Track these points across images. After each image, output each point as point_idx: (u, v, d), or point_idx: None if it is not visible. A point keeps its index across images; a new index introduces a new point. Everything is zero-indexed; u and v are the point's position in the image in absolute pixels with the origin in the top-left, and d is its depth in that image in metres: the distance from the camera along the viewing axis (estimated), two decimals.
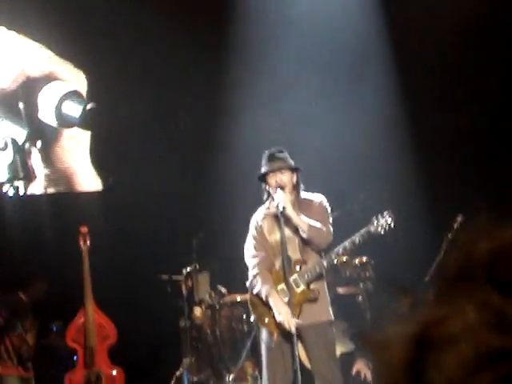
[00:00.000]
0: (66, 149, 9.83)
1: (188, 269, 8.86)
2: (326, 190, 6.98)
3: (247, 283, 6.68)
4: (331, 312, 6.54)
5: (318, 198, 6.69)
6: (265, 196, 6.66)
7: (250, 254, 6.63)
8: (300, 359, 7.07)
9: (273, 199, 6.54)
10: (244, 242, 6.76)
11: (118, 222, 9.33)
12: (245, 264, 6.77)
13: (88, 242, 7.99)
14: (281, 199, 6.43)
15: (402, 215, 7.00)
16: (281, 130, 8.86)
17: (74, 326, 7.90)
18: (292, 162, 6.61)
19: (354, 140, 9.29)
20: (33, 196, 9.69)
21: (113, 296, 8.42)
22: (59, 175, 9.77)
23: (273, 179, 6.54)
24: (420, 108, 9.49)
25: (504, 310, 0.58)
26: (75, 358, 7.91)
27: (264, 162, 6.60)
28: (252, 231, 6.67)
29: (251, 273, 6.58)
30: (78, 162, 9.86)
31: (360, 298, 8.44)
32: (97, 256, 8.05)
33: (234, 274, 8.05)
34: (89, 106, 9.64)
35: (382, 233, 6.65)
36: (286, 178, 6.53)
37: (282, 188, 6.50)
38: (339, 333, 7.47)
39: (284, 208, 6.42)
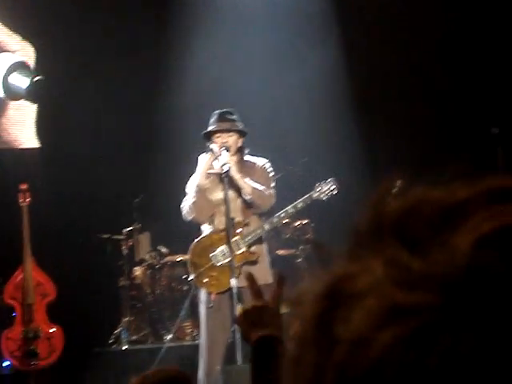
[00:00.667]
0: (12, 121, 9.72)
1: (129, 228, 8.85)
2: (270, 151, 7.02)
3: (181, 206, 6.65)
4: (271, 275, 6.59)
5: (262, 161, 6.72)
6: (209, 154, 6.66)
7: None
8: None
9: (217, 159, 6.55)
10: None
11: (59, 180, 9.25)
12: (185, 224, 6.78)
13: (28, 200, 7.91)
14: (226, 160, 6.45)
15: (345, 181, 7.06)
16: (229, 89, 8.83)
17: (13, 283, 7.84)
18: (240, 126, 6.61)
19: (301, 104, 9.33)
20: None
21: (52, 254, 8.38)
22: (4, 147, 9.65)
23: (219, 139, 6.55)
24: (366, 74, 9.56)
25: (410, 267, 0.59)
26: (13, 315, 7.86)
27: (212, 120, 6.60)
28: (193, 187, 6.64)
29: (190, 199, 6.57)
30: (24, 134, 9.75)
31: (299, 260, 8.54)
32: (37, 214, 7.98)
33: (175, 235, 8.07)
34: (36, 79, 9.53)
35: (324, 199, 6.71)
36: (232, 139, 6.55)
37: (227, 149, 6.51)
38: None
39: (229, 169, 6.44)
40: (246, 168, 6.64)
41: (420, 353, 0.57)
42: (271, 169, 6.72)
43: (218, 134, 6.56)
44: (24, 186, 7.96)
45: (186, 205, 6.60)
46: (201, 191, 6.57)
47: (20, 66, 9.62)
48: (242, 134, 6.61)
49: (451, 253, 0.59)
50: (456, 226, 0.61)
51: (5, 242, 8.05)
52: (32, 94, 9.59)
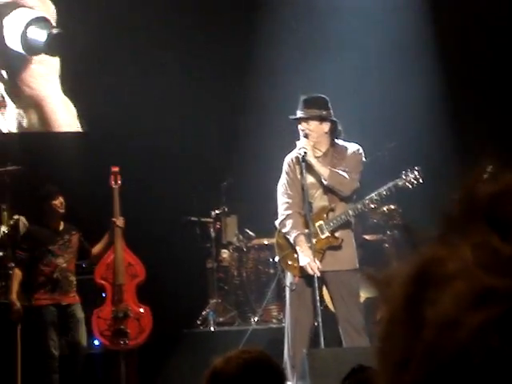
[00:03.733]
0: (35, 75, 9.68)
1: (217, 211, 8.93)
2: (359, 135, 7.00)
3: (276, 222, 6.72)
4: (356, 260, 6.58)
5: (354, 146, 6.71)
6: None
7: (284, 192, 6.67)
8: (325, 302, 7.16)
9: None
10: (273, 186, 6.80)
11: (147, 163, 9.38)
12: (272, 208, 6.81)
13: (119, 182, 8.05)
14: (302, 145, 6.49)
15: (435, 166, 6.98)
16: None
17: (104, 264, 8.00)
18: (323, 112, 6.61)
19: (391, 90, 9.25)
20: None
21: (142, 235, 8.51)
22: (29, 102, 9.67)
23: (302, 125, 6.60)
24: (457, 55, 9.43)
25: (500, 251, 0.59)
26: (103, 295, 8.02)
27: (299, 106, 6.64)
28: (286, 169, 6.71)
29: (283, 212, 6.63)
30: (48, 87, 9.71)
31: (387, 245, 8.49)
32: (128, 196, 8.12)
33: (262, 218, 8.11)
34: (54, 31, 9.55)
35: (410, 187, 6.66)
36: (311, 127, 6.57)
37: (306, 136, 6.54)
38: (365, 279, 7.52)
39: (305, 154, 6.47)
40: (337, 153, 6.65)
41: (507, 336, 0.57)
42: (362, 154, 6.70)
43: (300, 120, 6.61)
44: (115, 169, 8.10)
45: (284, 219, 6.63)
46: (293, 201, 6.61)
47: (39, 21, 9.58)
48: (323, 119, 6.61)
49: None
50: None
51: (97, 224, 8.20)
52: (51, 48, 9.60)
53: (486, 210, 0.62)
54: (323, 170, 6.53)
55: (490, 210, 0.62)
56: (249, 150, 9.23)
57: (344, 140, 6.73)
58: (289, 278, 6.68)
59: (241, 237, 8.98)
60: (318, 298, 6.41)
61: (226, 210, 9.03)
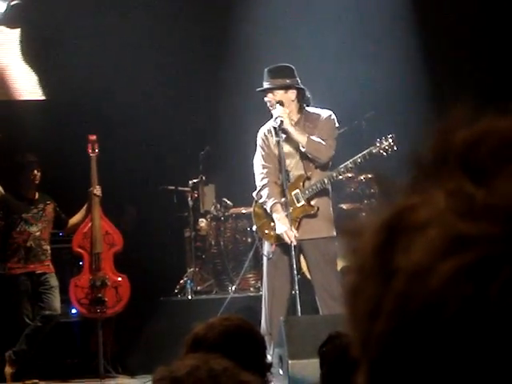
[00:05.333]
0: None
1: (194, 180, 8.92)
2: (335, 105, 7.00)
3: (254, 193, 6.74)
4: (333, 228, 6.60)
5: (326, 113, 6.71)
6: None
7: (259, 164, 6.69)
8: (301, 270, 7.19)
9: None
10: (251, 155, 6.81)
11: (122, 132, 9.33)
12: (250, 177, 6.83)
13: (96, 151, 8.02)
14: (278, 114, 6.48)
15: (413, 136, 6.98)
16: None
17: (81, 233, 7.98)
18: (287, 80, 6.61)
19: (367, 60, 9.25)
20: None
21: (119, 204, 8.50)
22: None
23: (268, 96, 6.60)
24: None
25: (474, 197, 0.58)
26: (81, 263, 8.02)
27: (265, 77, 6.64)
28: (260, 143, 6.72)
29: (259, 183, 6.65)
30: (8, 57, 9.62)
31: (364, 214, 8.52)
32: (105, 164, 8.10)
33: (240, 187, 8.12)
34: (13, 3, 9.48)
35: (385, 155, 6.68)
36: (277, 97, 6.58)
37: (281, 104, 6.54)
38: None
39: (281, 122, 6.47)
40: (309, 120, 6.65)
41: (481, 284, 0.56)
42: (335, 120, 6.71)
43: (267, 91, 6.61)
44: (93, 137, 8.06)
45: (261, 189, 6.64)
46: (268, 171, 6.62)
47: None
48: (288, 88, 6.61)
49: None
50: None
51: (74, 192, 8.17)
52: (11, 19, 9.49)
53: (460, 156, 0.61)
54: (301, 138, 6.53)
55: (463, 155, 0.61)
56: (227, 120, 9.21)
57: (315, 107, 6.72)
58: (266, 247, 6.71)
59: (218, 206, 8.98)
60: (294, 266, 6.44)
61: (204, 179, 9.02)
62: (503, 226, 0.57)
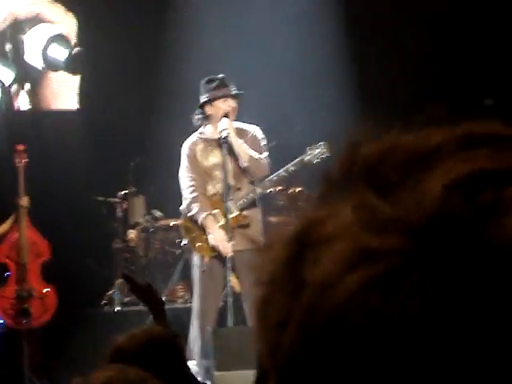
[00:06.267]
0: (54, 91, 9.74)
1: (124, 191, 8.88)
2: (264, 119, 7.04)
3: (181, 207, 6.74)
4: (262, 239, 6.63)
5: (253, 128, 6.74)
6: (199, 121, 6.70)
7: (186, 177, 6.68)
8: (230, 282, 7.20)
9: (211, 124, 6.60)
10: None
11: (54, 142, 9.27)
12: (179, 189, 6.82)
13: (24, 161, 7.94)
14: (225, 126, 6.48)
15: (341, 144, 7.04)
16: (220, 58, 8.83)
17: (7, 242, 7.89)
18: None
19: (294, 68, 9.32)
20: None
21: (48, 214, 8.41)
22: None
23: (225, 105, 6.55)
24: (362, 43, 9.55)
25: (378, 210, 0.59)
26: (6, 274, 7.92)
27: (212, 86, 6.60)
28: (185, 157, 6.71)
29: (188, 196, 6.64)
30: (67, 105, 9.79)
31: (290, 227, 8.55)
32: (33, 174, 8.01)
33: (169, 199, 8.10)
34: (75, 50, 9.55)
35: (314, 162, 6.72)
36: (234, 105, 6.58)
37: (227, 115, 6.54)
38: None
39: (228, 135, 6.47)
40: (238, 134, 6.67)
41: (384, 297, 0.57)
42: (263, 136, 6.74)
43: (221, 100, 6.57)
44: (20, 147, 7.98)
45: (190, 202, 6.63)
46: (196, 184, 6.62)
47: (59, 38, 9.64)
48: (238, 97, 6.64)
49: (420, 197, 0.58)
50: (428, 170, 0.60)
51: (2, 203, 8.08)
52: (72, 66, 9.62)
53: (366, 170, 0.62)
54: (243, 152, 6.54)
55: (369, 170, 0.62)
56: (158, 130, 9.19)
57: (241, 121, 6.75)
58: (197, 259, 6.70)
59: (148, 217, 8.95)
60: (229, 277, 6.45)
61: (134, 190, 8.98)
62: (407, 239, 0.57)
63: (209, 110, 6.62)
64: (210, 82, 6.65)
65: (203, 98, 6.63)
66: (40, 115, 9.62)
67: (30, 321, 7.70)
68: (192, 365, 6.15)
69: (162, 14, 9.56)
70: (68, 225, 8.87)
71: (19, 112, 9.60)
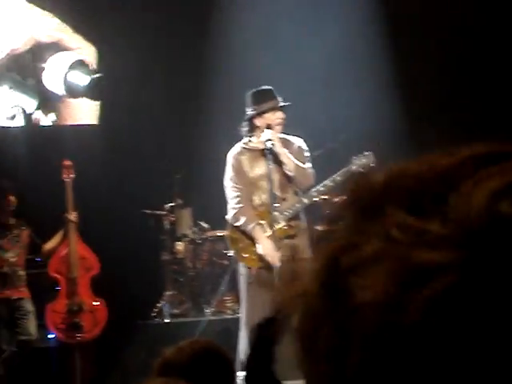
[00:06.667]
0: (76, 118, 9.86)
1: (171, 204, 8.94)
2: (308, 129, 7.05)
3: (228, 216, 6.75)
4: (310, 250, 6.62)
5: (298, 140, 6.76)
6: (245, 132, 6.72)
7: (232, 188, 6.69)
8: None
9: (256, 135, 6.62)
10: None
11: (103, 157, 9.37)
12: (226, 200, 6.84)
13: (71, 176, 8.04)
14: (270, 136, 6.50)
15: (388, 153, 7.05)
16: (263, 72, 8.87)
17: (57, 257, 7.98)
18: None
19: (337, 82, 9.33)
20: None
21: (97, 228, 8.50)
22: None
23: (274, 116, 6.58)
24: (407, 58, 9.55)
25: (421, 228, 0.59)
26: (57, 288, 8.01)
27: (261, 98, 6.62)
28: (230, 167, 6.73)
29: (234, 206, 6.65)
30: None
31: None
32: (82, 189, 8.11)
33: (216, 210, 8.13)
34: (95, 77, 9.67)
35: (363, 171, 6.71)
36: (283, 116, 6.62)
37: (270, 127, 6.56)
38: None
39: (273, 145, 6.50)
40: (284, 145, 6.69)
41: (458, 311, 0.57)
42: (307, 148, 6.75)
43: (271, 112, 6.60)
44: (67, 163, 8.08)
45: (236, 212, 6.65)
46: (242, 194, 6.64)
47: (80, 64, 9.76)
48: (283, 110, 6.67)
49: (465, 209, 0.58)
50: (458, 186, 0.60)
51: (50, 217, 8.18)
52: (91, 92, 9.72)
53: (386, 195, 0.62)
54: (289, 162, 6.56)
55: (387, 194, 0.62)
56: (204, 142, 9.25)
57: (285, 133, 6.78)
58: (244, 270, 6.70)
59: (195, 229, 9.00)
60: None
61: (181, 202, 9.04)
62: (458, 252, 0.58)
63: (258, 121, 6.64)
64: (258, 93, 6.67)
65: (252, 110, 6.65)
66: (82, 130, 9.74)
67: (82, 334, 7.78)
68: (242, 377, 6.17)
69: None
70: (117, 239, 8.95)
71: (59, 127, 9.72)
